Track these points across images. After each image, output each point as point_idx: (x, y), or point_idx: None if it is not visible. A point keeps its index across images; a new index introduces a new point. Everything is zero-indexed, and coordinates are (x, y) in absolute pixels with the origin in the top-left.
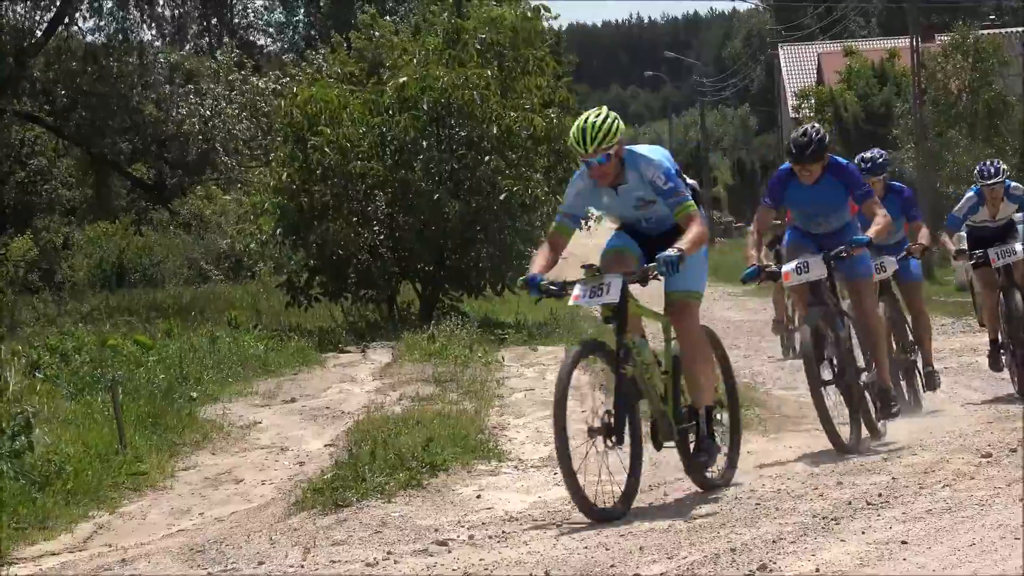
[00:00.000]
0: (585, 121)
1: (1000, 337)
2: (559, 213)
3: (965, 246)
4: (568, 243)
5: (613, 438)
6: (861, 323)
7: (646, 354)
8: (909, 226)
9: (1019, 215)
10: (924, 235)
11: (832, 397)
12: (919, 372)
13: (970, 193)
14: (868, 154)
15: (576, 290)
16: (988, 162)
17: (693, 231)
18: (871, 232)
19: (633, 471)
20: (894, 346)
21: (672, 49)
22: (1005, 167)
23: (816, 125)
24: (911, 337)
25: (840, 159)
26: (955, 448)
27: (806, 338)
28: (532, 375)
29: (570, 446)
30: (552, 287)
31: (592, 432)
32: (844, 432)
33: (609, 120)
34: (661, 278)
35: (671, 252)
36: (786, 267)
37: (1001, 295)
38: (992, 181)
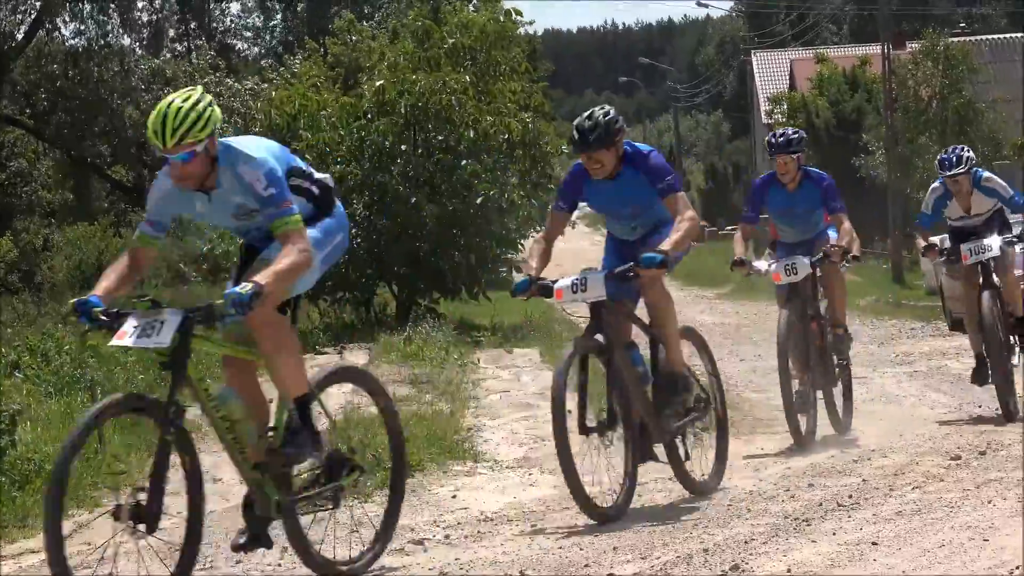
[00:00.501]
0: (168, 106)
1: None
2: (143, 221)
3: (948, 245)
4: (154, 257)
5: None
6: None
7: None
8: (830, 218)
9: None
10: (846, 230)
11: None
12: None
13: (935, 185)
14: (781, 130)
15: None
16: (950, 150)
17: (287, 259)
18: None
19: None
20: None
21: (646, 55)
22: (971, 155)
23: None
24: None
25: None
26: (924, 451)
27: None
28: (507, 377)
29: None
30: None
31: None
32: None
33: (198, 106)
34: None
35: (236, 290)
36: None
37: (978, 299)
38: (953, 172)
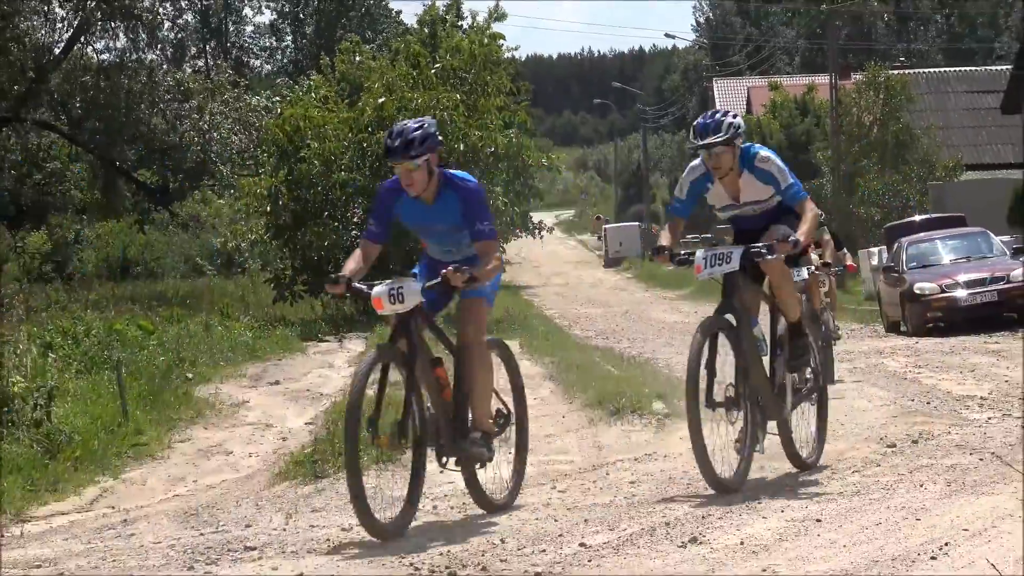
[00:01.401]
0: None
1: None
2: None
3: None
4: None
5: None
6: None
7: None
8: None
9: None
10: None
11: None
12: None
13: (694, 163)
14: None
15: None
16: (709, 114)
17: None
18: None
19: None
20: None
21: (619, 80)
22: (738, 122)
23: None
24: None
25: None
26: (863, 439)
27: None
28: None
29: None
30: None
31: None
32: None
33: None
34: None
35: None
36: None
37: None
38: (708, 141)
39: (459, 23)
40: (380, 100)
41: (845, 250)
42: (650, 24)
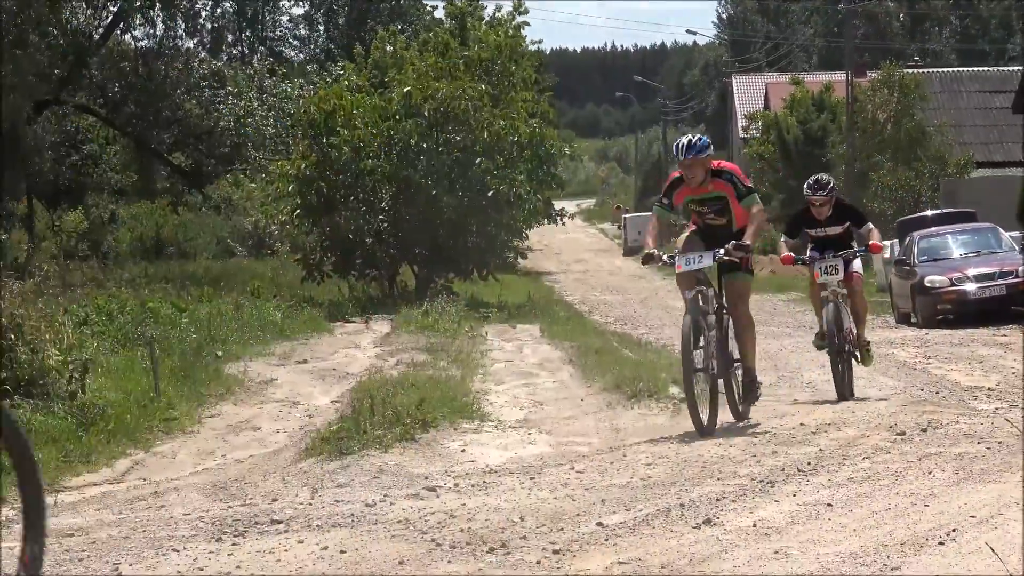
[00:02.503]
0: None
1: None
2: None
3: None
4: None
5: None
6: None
7: None
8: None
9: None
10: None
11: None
12: None
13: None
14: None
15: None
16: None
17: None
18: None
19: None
20: None
21: (640, 74)
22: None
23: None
24: None
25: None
26: (874, 426)
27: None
28: (511, 349)
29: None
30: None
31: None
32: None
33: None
34: None
35: None
36: (678, 258)
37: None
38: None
39: (483, 16)
40: (407, 89)
41: (870, 225)
42: (672, 21)
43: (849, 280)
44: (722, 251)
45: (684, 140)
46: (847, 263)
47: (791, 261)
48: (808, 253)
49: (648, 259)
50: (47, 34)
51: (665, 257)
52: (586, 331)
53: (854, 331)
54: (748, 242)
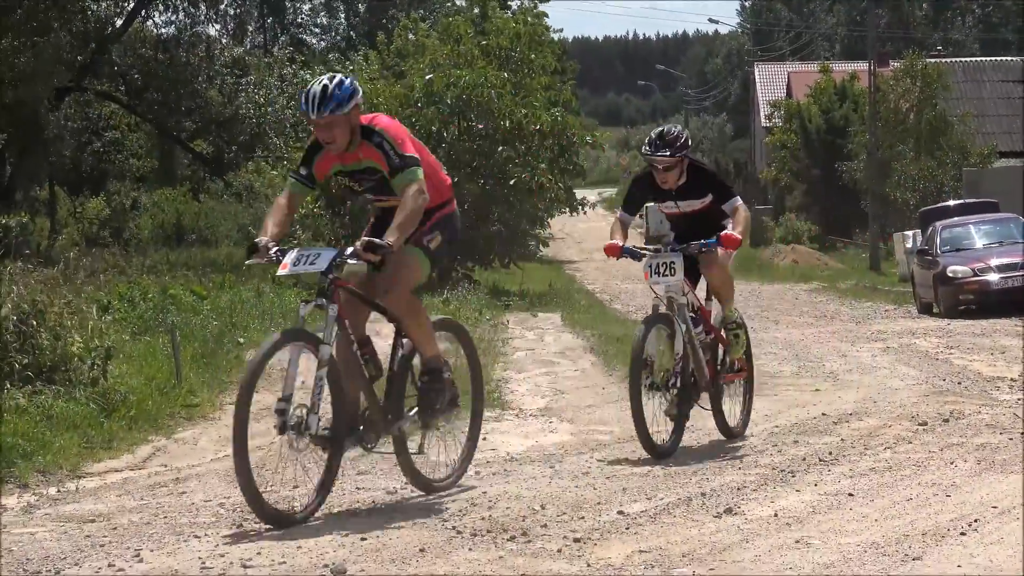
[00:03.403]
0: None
1: None
2: None
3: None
4: None
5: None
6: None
7: None
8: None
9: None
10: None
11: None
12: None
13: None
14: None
15: None
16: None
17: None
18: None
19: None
20: None
21: (662, 63)
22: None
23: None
24: None
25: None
26: (896, 416)
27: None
28: (532, 337)
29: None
30: None
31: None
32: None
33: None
34: None
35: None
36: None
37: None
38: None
39: (509, 4)
40: (428, 77)
41: (738, 202)
42: (694, 9)
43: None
44: (350, 249)
45: (316, 88)
46: (693, 258)
47: (616, 252)
48: (648, 240)
49: (252, 251)
50: (69, 20)
51: (273, 252)
52: (607, 319)
53: (705, 369)
54: (390, 240)
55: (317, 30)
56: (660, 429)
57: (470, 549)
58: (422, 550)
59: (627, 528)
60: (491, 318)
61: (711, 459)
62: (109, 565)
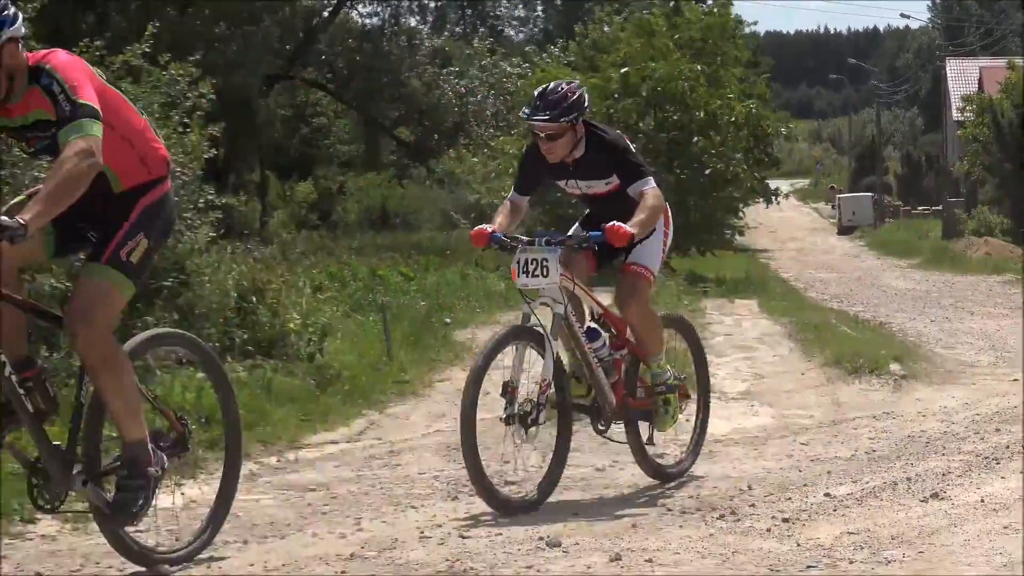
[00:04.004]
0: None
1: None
2: None
3: None
4: None
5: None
6: None
7: None
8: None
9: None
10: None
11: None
12: None
13: None
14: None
15: None
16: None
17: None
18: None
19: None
20: None
21: (854, 56)
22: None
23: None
24: None
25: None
26: None
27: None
28: (730, 322)
29: None
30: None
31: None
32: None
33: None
34: None
35: None
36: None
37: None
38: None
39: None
40: (624, 70)
41: (648, 185)
42: (885, 4)
43: (624, 276)
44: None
45: None
46: (579, 252)
47: (483, 239)
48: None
49: None
50: (278, 11)
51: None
52: (803, 307)
53: (608, 393)
54: (25, 218)
55: (516, 23)
56: (519, 472)
57: (680, 526)
58: (634, 526)
59: (834, 510)
60: (689, 303)
61: (914, 445)
62: (329, 532)
